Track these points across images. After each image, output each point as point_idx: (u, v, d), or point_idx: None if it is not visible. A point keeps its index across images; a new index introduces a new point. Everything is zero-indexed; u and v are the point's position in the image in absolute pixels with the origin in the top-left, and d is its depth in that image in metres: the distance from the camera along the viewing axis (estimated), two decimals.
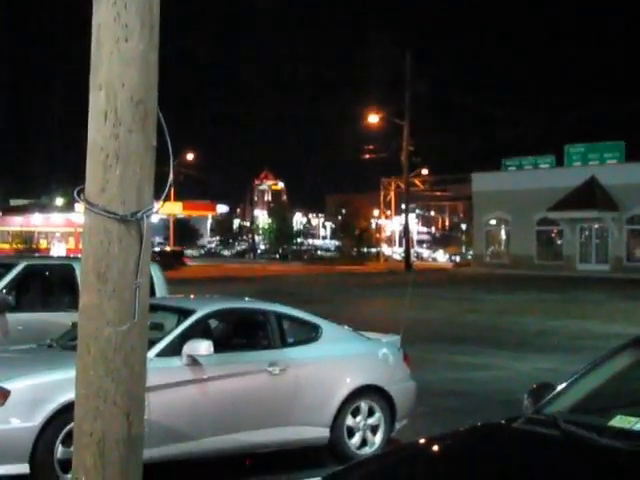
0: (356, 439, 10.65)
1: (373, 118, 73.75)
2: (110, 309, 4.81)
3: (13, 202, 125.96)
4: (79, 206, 5.90)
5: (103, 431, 4.81)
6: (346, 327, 11.60)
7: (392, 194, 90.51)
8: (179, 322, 10.05)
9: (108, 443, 4.81)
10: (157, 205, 5.03)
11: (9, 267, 13.38)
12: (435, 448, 5.56)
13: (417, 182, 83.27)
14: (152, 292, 13.47)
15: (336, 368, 10.70)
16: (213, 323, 10.88)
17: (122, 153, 4.84)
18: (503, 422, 5.55)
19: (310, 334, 10.90)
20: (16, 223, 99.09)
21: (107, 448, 4.81)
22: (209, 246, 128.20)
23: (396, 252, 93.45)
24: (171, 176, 5.08)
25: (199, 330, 10.08)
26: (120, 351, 4.83)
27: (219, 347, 9.74)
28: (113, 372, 4.81)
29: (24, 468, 8.55)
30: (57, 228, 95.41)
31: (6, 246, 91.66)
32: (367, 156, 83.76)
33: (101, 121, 4.87)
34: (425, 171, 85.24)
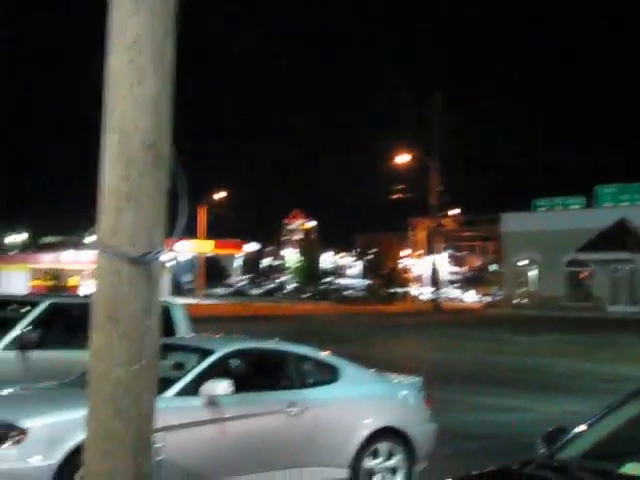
0: None
1: (402, 158, 73.92)
2: (120, 350, 4.83)
3: (45, 239, 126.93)
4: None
5: (112, 472, 4.82)
6: (366, 369, 11.57)
7: (421, 234, 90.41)
8: (198, 362, 10.07)
9: None
10: (168, 246, 5.06)
11: (34, 305, 13.48)
12: None
13: (447, 222, 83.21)
14: (173, 331, 13.57)
15: (355, 409, 10.68)
16: (233, 363, 10.88)
17: (134, 196, 4.88)
18: (515, 467, 5.51)
19: (329, 375, 10.89)
20: (47, 260, 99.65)
21: None
22: (237, 285, 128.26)
23: (423, 292, 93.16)
24: (184, 217, 5.10)
25: (218, 370, 10.08)
26: (129, 392, 4.84)
27: (238, 387, 9.74)
28: (122, 413, 4.82)
29: None
30: (86, 266, 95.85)
31: (37, 283, 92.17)
32: (396, 196, 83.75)
33: (113, 163, 4.91)
34: (456, 211, 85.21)
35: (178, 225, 5.12)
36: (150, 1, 4.96)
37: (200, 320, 31.56)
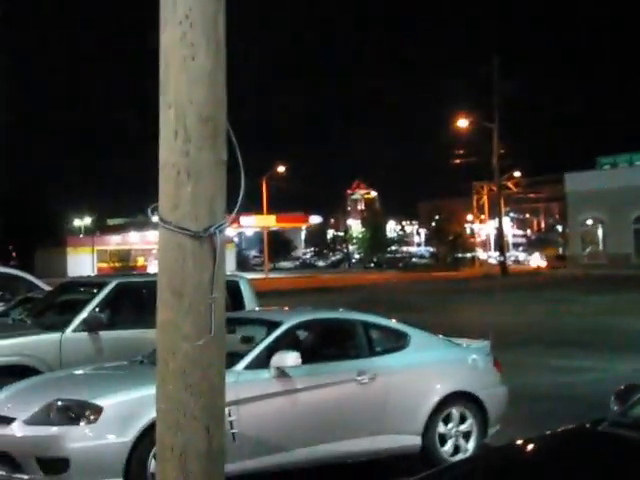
0: (449, 446, 10.58)
1: (462, 122, 73.48)
2: (186, 324, 4.87)
3: (110, 221, 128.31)
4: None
5: (184, 445, 4.87)
6: (434, 334, 11.56)
7: (485, 198, 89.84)
8: (267, 334, 10.11)
9: (189, 457, 4.86)
10: (229, 219, 5.08)
11: (101, 286, 13.62)
12: (520, 453, 5.51)
13: (510, 185, 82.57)
14: (241, 305, 13.65)
15: (425, 375, 10.66)
16: (301, 334, 10.92)
17: (193, 170, 4.90)
18: (588, 425, 5.47)
19: (398, 342, 10.89)
20: (113, 242, 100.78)
21: (189, 462, 4.86)
22: (303, 257, 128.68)
23: (491, 256, 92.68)
24: (242, 190, 5.13)
25: (287, 342, 10.12)
26: (198, 365, 4.88)
27: (307, 358, 9.76)
28: (192, 386, 4.87)
29: None
30: (153, 245, 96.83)
31: (104, 265, 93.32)
32: (458, 161, 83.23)
33: (171, 139, 4.93)
34: (517, 173, 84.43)
35: (239, 199, 5.14)
36: None
37: (267, 294, 31.78)
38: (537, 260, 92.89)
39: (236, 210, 5.11)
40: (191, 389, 4.87)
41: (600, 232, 69.81)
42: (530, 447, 5.53)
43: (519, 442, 5.67)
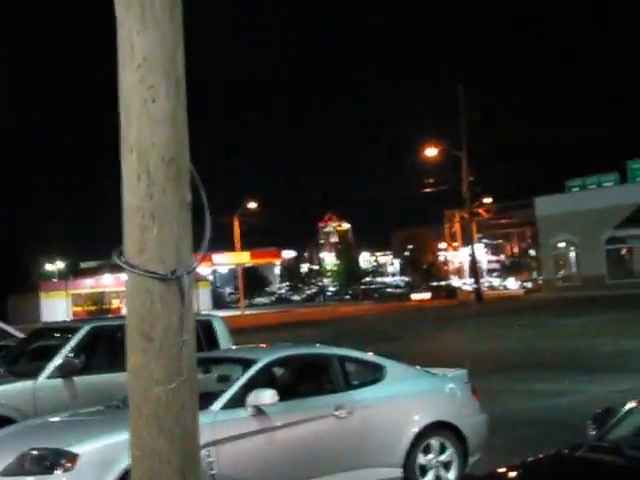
0: (430, 477, 10.53)
1: (431, 151, 73.73)
2: (157, 368, 4.81)
3: (84, 264, 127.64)
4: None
5: None
6: (411, 365, 11.53)
7: (457, 225, 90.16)
8: (242, 373, 10.05)
9: None
10: (197, 260, 5.04)
11: (75, 331, 13.53)
12: None
13: (481, 211, 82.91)
14: (215, 344, 13.59)
15: (403, 407, 10.62)
16: (277, 371, 10.86)
17: (158, 212, 4.86)
18: (566, 451, 5.45)
19: (375, 375, 10.85)
20: (87, 285, 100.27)
21: None
22: (279, 292, 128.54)
23: (466, 283, 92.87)
24: (208, 229, 5.09)
25: (263, 379, 10.06)
26: (171, 409, 4.82)
27: (284, 395, 9.71)
28: (165, 431, 4.80)
29: None
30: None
31: (79, 309, 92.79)
32: (428, 190, 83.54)
33: (134, 182, 4.89)
34: (488, 200, 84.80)
35: (205, 238, 5.10)
36: (157, 18, 4.95)
37: (244, 331, 31.67)
38: (513, 285, 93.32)
39: (202, 249, 5.07)
40: (164, 434, 4.80)
41: (573, 254, 70.11)
42: (510, 476, 5.50)
43: (499, 470, 5.65)
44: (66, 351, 12.97)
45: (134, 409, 4.91)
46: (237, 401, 9.58)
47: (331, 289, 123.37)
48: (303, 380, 10.95)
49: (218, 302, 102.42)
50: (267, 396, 9.45)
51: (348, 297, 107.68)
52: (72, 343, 13.13)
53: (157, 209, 4.86)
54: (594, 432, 5.76)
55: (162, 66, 4.94)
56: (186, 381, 4.87)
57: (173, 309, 4.86)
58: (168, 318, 4.85)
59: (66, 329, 14.69)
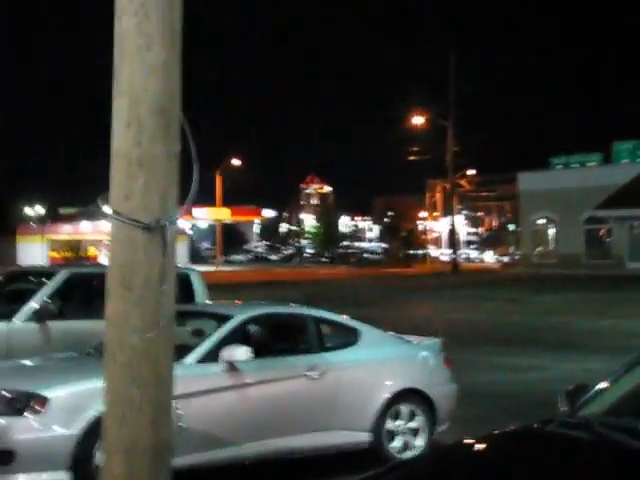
0: (397, 443, 10.59)
1: (418, 119, 73.59)
2: (135, 317, 4.81)
3: (62, 211, 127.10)
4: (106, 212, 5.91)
5: (130, 439, 4.81)
6: (385, 331, 11.56)
7: (438, 195, 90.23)
8: (217, 328, 10.06)
9: (136, 451, 4.81)
10: (181, 212, 5.02)
11: (52, 276, 13.49)
12: (468, 452, 5.50)
13: (463, 183, 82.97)
14: (192, 298, 13.56)
15: (376, 372, 10.66)
16: (252, 328, 10.87)
17: (145, 161, 4.84)
18: (536, 425, 5.47)
19: (349, 338, 10.87)
20: (65, 231, 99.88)
21: (135, 456, 4.80)
22: (256, 251, 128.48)
23: (443, 254, 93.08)
24: (195, 182, 5.07)
25: (237, 336, 10.07)
26: (146, 359, 4.82)
27: (258, 352, 9.72)
28: (139, 380, 4.81)
29: (64, 475, 8.60)
30: (105, 236, 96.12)
31: (55, 254, 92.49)
32: (413, 158, 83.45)
33: (124, 129, 4.87)
34: (472, 171, 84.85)
35: (191, 191, 5.08)
36: None
37: (219, 287, 31.65)
38: (491, 259, 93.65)
39: (188, 201, 5.05)
40: (138, 382, 4.81)
41: (551, 232, 70.31)
42: (478, 447, 5.52)
43: (466, 441, 5.66)
44: (42, 295, 12.93)
45: (109, 356, 4.91)
46: (211, 356, 9.59)
47: (309, 251, 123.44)
48: (277, 339, 10.96)
49: (195, 256, 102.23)
50: (241, 352, 9.47)
51: (325, 260, 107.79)
52: (49, 288, 13.09)
53: (145, 157, 4.84)
54: (565, 408, 5.78)
55: (158, 14, 4.91)
56: (163, 331, 4.88)
57: (154, 259, 4.85)
58: (149, 267, 4.84)
59: (43, 273, 14.65)
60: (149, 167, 4.85)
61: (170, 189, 4.92)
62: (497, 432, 5.66)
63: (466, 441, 5.67)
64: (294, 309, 11.47)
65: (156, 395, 4.86)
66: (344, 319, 11.27)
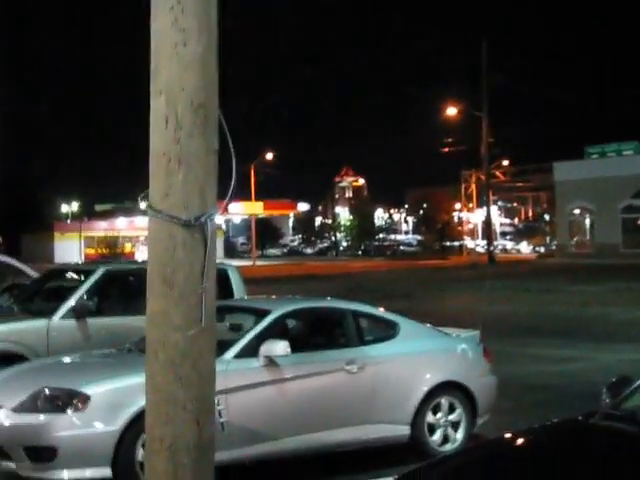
0: (437, 436, 10.55)
1: (452, 111, 73.33)
2: (177, 314, 4.81)
3: (98, 207, 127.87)
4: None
5: (174, 436, 4.81)
6: (424, 324, 11.52)
7: (473, 186, 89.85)
8: (255, 323, 10.06)
9: (179, 448, 4.81)
10: (220, 208, 5.01)
11: (89, 273, 13.56)
12: (512, 445, 5.47)
13: (498, 173, 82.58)
14: (230, 294, 13.58)
15: (415, 365, 10.62)
16: (290, 323, 10.86)
17: (184, 158, 4.84)
18: (580, 418, 5.42)
19: (387, 331, 10.84)
20: (101, 228, 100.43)
21: (178, 453, 4.81)
22: (291, 245, 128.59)
23: (479, 245, 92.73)
24: (234, 178, 5.07)
25: (276, 331, 10.06)
26: (188, 356, 4.82)
27: (296, 347, 9.71)
28: (182, 377, 4.81)
29: (106, 472, 8.64)
30: (141, 232, 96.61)
31: (92, 251, 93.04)
32: (447, 149, 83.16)
33: (162, 126, 4.87)
34: (506, 162, 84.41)
35: (231, 187, 5.07)
36: None
37: (255, 281, 31.71)
38: (527, 249, 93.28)
39: (228, 199, 5.04)
40: (181, 380, 4.81)
41: (588, 221, 69.90)
42: (522, 440, 5.48)
43: (510, 435, 5.63)
44: (80, 293, 13.01)
45: (151, 354, 4.92)
46: (250, 351, 9.59)
47: (344, 244, 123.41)
48: (316, 333, 10.95)
49: (230, 252, 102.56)
50: (280, 347, 9.46)
51: (360, 253, 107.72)
52: (87, 285, 13.16)
53: (183, 154, 4.84)
54: (609, 400, 5.73)
55: (195, 10, 4.90)
56: (205, 329, 4.87)
57: (195, 256, 4.85)
58: (190, 265, 4.84)
59: (81, 271, 14.72)
60: (188, 164, 4.84)
61: (209, 185, 4.92)
62: (541, 425, 5.62)
63: (510, 434, 5.63)
64: (332, 303, 11.44)
65: (199, 392, 4.86)
66: (382, 312, 11.23)
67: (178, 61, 4.86)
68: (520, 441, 5.48)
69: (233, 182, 5.08)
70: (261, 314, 10.19)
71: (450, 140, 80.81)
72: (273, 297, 12.86)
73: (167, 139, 4.85)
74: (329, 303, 11.53)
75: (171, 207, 4.82)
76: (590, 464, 4.67)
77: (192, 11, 4.88)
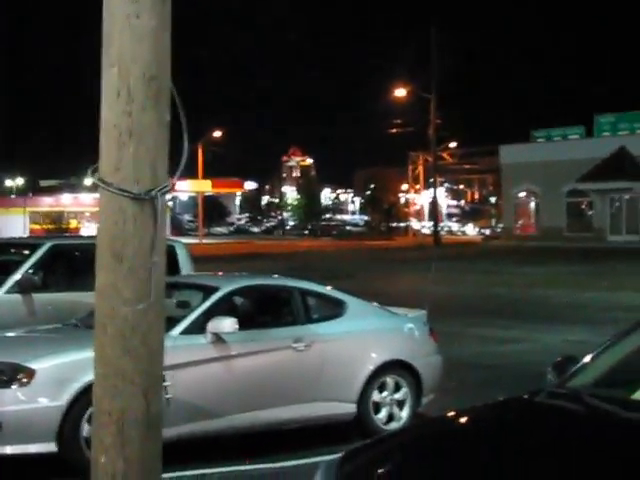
0: (383, 414, 10.62)
1: (400, 92, 73.49)
2: (126, 288, 4.78)
3: (43, 183, 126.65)
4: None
5: (122, 410, 4.79)
6: (372, 303, 11.57)
7: (420, 168, 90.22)
8: (203, 300, 10.03)
9: (127, 422, 4.79)
10: (171, 182, 4.98)
11: (35, 247, 13.42)
12: (457, 423, 5.51)
13: (445, 155, 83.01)
14: (177, 270, 13.51)
15: (362, 343, 10.67)
16: (237, 300, 10.85)
17: (135, 131, 4.79)
18: (526, 396, 5.48)
19: (335, 310, 10.87)
20: (46, 203, 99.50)
21: (126, 427, 4.78)
22: (238, 223, 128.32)
23: (425, 226, 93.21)
24: (186, 152, 5.03)
25: (223, 307, 10.05)
26: (137, 330, 4.80)
27: (244, 324, 9.70)
28: (130, 351, 4.78)
29: (51, 447, 8.60)
30: (86, 208, 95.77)
31: (37, 226, 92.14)
32: (395, 130, 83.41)
33: (114, 98, 4.81)
34: (453, 144, 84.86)
35: (182, 161, 5.04)
36: None
37: (202, 259, 31.59)
38: (472, 231, 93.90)
39: (178, 173, 5.01)
40: (130, 354, 4.78)
41: (533, 205, 70.49)
42: (468, 418, 5.52)
43: (455, 413, 5.67)
44: (26, 267, 12.87)
45: (99, 327, 4.88)
46: (197, 327, 9.58)
47: (290, 223, 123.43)
48: (263, 311, 10.95)
49: (177, 229, 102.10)
50: (227, 324, 9.45)
51: (307, 232, 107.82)
52: (32, 259, 13.01)
53: (135, 127, 4.79)
54: (554, 379, 5.79)
55: None
56: (154, 303, 4.85)
57: (145, 230, 4.81)
58: (140, 239, 4.80)
59: (26, 245, 14.57)
60: (139, 137, 4.80)
61: (161, 159, 4.88)
62: (486, 403, 5.67)
63: (456, 412, 5.68)
64: (280, 280, 11.44)
65: (148, 366, 4.83)
66: (330, 291, 11.26)
67: (131, 33, 4.80)
68: (465, 419, 5.52)
69: (184, 156, 5.04)
70: (209, 291, 10.17)
71: (398, 122, 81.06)
72: (220, 274, 12.83)
73: (118, 112, 4.80)
74: (277, 281, 11.53)
75: (122, 181, 4.78)
76: (536, 442, 4.71)
77: None
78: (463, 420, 5.52)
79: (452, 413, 5.69)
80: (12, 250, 15.12)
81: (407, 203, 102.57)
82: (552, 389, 5.58)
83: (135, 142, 4.79)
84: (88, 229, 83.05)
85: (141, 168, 4.80)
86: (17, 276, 12.70)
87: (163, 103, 4.89)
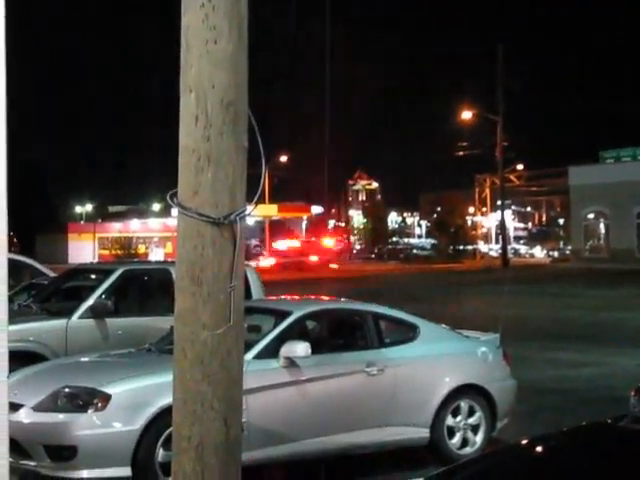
0: (457, 439, 10.50)
1: (466, 114, 73.24)
2: (205, 313, 4.78)
3: (111, 209, 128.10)
4: (174, 210, 5.99)
5: (201, 435, 4.78)
6: (444, 326, 11.48)
7: (487, 190, 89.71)
8: (276, 324, 10.02)
9: (206, 447, 4.78)
10: (250, 207, 4.98)
11: (107, 273, 13.56)
12: (539, 449, 5.41)
13: (512, 178, 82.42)
14: (248, 295, 13.54)
15: (435, 367, 10.58)
16: (310, 324, 10.83)
17: (213, 155, 4.81)
18: (609, 421, 5.37)
19: (408, 334, 10.79)
20: (114, 229, 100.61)
21: (205, 453, 4.78)
22: None
23: (492, 249, 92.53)
24: (263, 177, 5.03)
25: (296, 332, 10.04)
26: (216, 355, 4.80)
27: (316, 348, 9.67)
28: (210, 376, 4.78)
29: (126, 471, 8.63)
30: (154, 233, 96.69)
31: (106, 252, 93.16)
32: (461, 153, 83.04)
33: (192, 124, 4.84)
34: (520, 166, 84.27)
35: (260, 185, 5.04)
36: None
37: (271, 283, 31.67)
38: (541, 253, 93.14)
39: (257, 197, 5.02)
40: (209, 379, 4.78)
41: (602, 226, 69.68)
42: (549, 444, 5.42)
43: (539, 438, 5.58)
44: (99, 292, 13.01)
45: (179, 352, 4.89)
46: (270, 352, 9.56)
47: (357, 247, 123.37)
48: (336, 335, 10.92)
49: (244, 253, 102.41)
50: (300, 348, 9.42)
51: (373, 256, 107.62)
52: (105, 285, 13.16)
53: (213, 152, 4.81)
54: (637, 404, 5.69)
55: (225, 7, 4.87)
56: (233, 328, 4.84)
57: (224, 254, 4.82)
58: (219, 263, 4.81)
59: (99, 271, 14.73)
60: (217, 162, 4.82)
61: (239, 184, 4.89)
62: (569, 428, 5.57)
63: (535, 438, 5.58)
64: (353, 305, 11.40)
65: (227, 392, 4.83)
66: (402, 314, 11.18)
67: (209, 58, 4.84)
68: (546, 445, 5.42)
69: (263, 180, 5.05)
70: (281, 315, 10.16)
71: (465, 144, 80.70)
72: (293, 298, 12.82)
73: (197, 137, 4.83)
74: (349, 305, 11.48)
75: (200, 205, 4.80)
76: (622, 468, 4.61)
77: (223, 8, 4.86)
78: (547, 446, 5.42)
79: (532, 439, 5.59)
80: (85, 276, 15.32)
81: (474, 226, 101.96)
82: (637, 414, 5.47)
83: (213, 167, 4.80)
84: (156, 254, 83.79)
85: (219, 193, 4.81)
86: (90, 301, 12.84)
87: (241, 128, 4.91)
